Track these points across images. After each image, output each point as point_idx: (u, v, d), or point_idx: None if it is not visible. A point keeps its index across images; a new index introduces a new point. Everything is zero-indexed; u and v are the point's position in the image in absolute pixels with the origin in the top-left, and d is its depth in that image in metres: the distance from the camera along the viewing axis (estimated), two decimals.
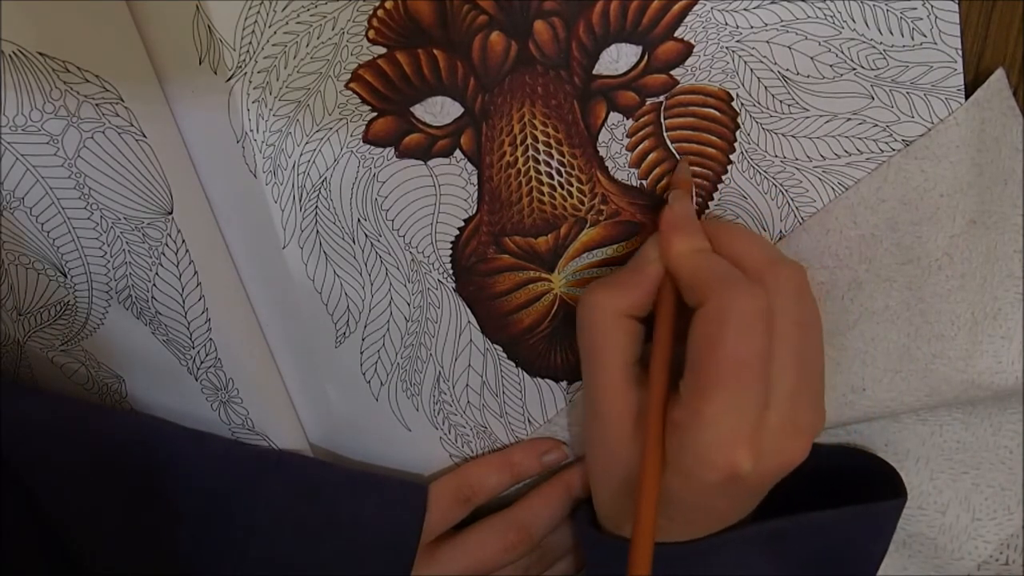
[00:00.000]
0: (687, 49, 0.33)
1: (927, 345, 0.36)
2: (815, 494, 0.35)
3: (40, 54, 0.31)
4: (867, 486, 0.38)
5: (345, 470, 0.39)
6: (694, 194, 0.35)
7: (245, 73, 0.33)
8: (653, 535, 0.29)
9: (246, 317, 0.38)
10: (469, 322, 0.38)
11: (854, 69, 0.33)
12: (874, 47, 0.33)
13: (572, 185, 0.35)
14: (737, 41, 0.33)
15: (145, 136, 0.33)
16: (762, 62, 0.33)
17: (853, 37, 0.33)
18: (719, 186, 0.35)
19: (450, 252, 0.36)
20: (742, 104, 0.34)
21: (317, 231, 0.36)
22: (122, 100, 0.33)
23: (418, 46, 0.33)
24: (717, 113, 0.34)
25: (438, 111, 0.34)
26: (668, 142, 0.35)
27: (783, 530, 0.34)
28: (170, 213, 0.34)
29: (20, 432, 0.36)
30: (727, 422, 0.29)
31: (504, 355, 0.38)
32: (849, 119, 0.34)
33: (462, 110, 0.34)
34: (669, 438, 0.31)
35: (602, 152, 0.34)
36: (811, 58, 0.33)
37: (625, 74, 0.33)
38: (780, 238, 0.36)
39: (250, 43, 0.33)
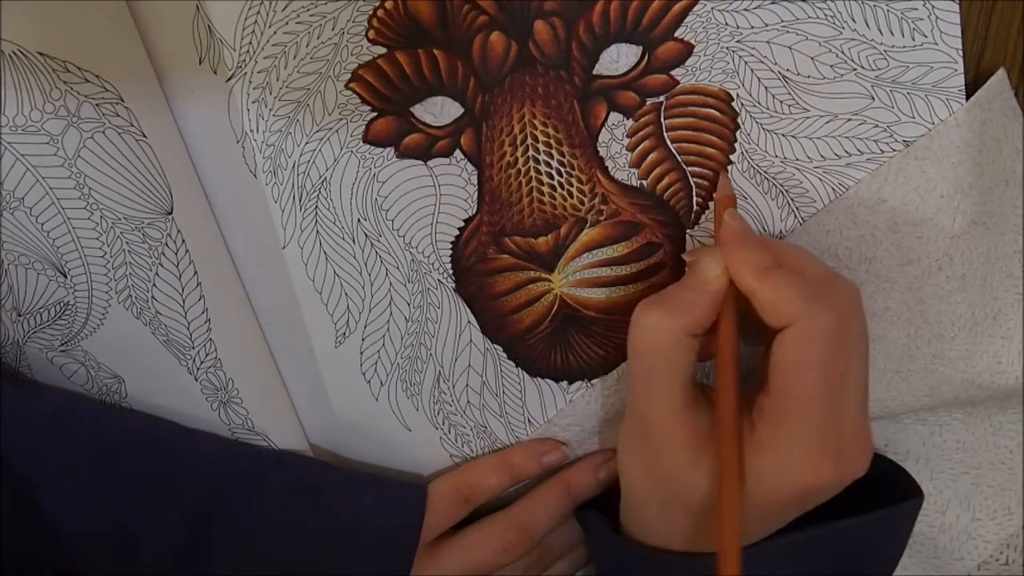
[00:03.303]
0: (687, 49, 0.33)
1: (927, 345, 0.36)
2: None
3: (40, 54, 0.31)
4: (875, 487, 0.37)
5: (345, 470, 0.39)
6: (694, 196, 0.35)
7: (245, 73, 0.33)
8: (740, 555, 0.29)
9: (246, 317, 0.38)
10: (469, 322, 0.38)
11: (855, 69, 0.33)
12: (875, 47, 0.33)
13: (572, 185, 0.35)
14: (737, 41, 0.33)
15: (145, 136, 0.33)
16: (762, 62, 0.33)
17: (854, 37, 0.33)
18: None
19: (450, 252, 0.36)
20: (742, 104, 0.34)
21: (317, 231, 0.36)
22: (122, 100, 0.33)
23: (418, 46, 0.33)
24: (717, 113, 0.34)
25: (438, 111, 0.34)
26: (668, 142, 0.35)
27: (813, 539, 0.34)
28: (170, 213, 0.34)
29: (18, 431, 0.36)
30: (818, 440, 0.30)
31: (504, 355, 0.38)
32: (850, 119, 0.34)
33: (462, 110, 0.34)
34: (749, 456, 0.31)
35: (602, 152, 0.34)
36: (811, 58, 0.33)
37: (625, 74, 0.33)
38: (780, 238, 0.36)
39: (250, 43, 0.33)
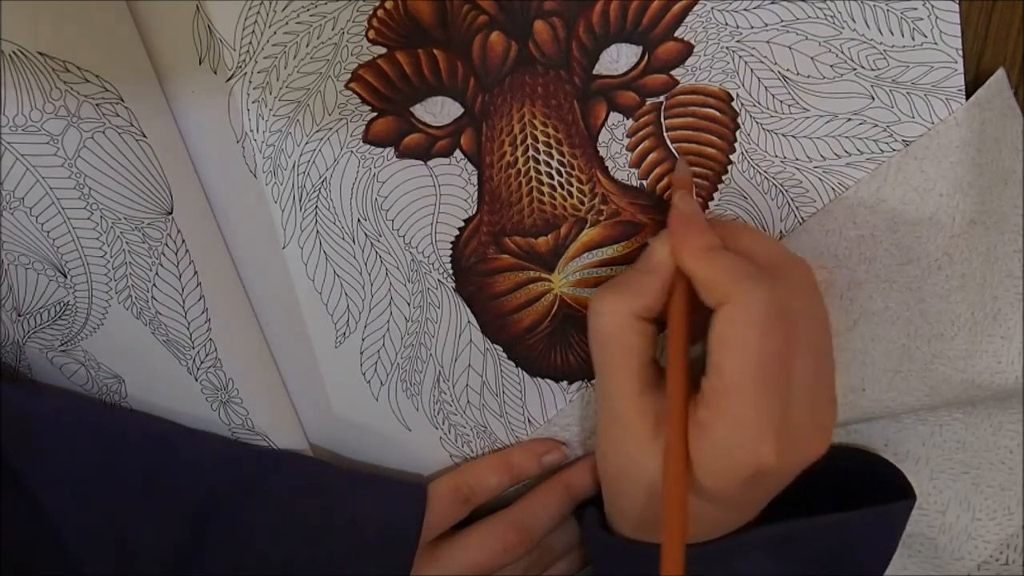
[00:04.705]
0: (687, 49, 0.33)
1: (927, 345, 0.36)
2: (818, 495, 0.35)
3: (40, 54, 0.31)
4: (870, 487, 0.38)
5: (345, 470, 0.39)
6: (694, 193, 0.35)
7: (245, 73, 0.33)
8: (684, 537, 0.29)
9: (246, 317, 0.38)
10: (469, 322, 0.38)
11: (854, 69, 0.33)
12: (874, 47, 0.33)
13: (572, 185, 0.35)
14: (737, 41, 0.33)
15: (145, 136, 0.33)
16: (762, 62, 0.33)
17: (853, 37, 0.33)
18: (719, 186, 0.35)
19: (450, 252, 0.36)
20: (742, 104, 0.34)
21: (317, 231, 0.36)
22: (122, 100, 0.33)
23: (418, 46, 0.33)
24: (717, 113, 0.34)
25: (438, 111, 0.34)
26: (668, 142, 0.35)
27: (794, 533, 0.34)
28: (170, 213, 0.34)
29: (18, 431, 0.36)
30: (754, 419, 0.29)
31: (504, 355, 0.38)
32: (849, 119, 0.34)
33: (462, 110, 0.34)
34: (693, 438, 0.31)
35: (602, 152, 0.34)
36: (811, 58, 0.33)
37: (625, 74, 0.33)
38: (780, 238, 0.36)
39: (250, 43, 0.33)
